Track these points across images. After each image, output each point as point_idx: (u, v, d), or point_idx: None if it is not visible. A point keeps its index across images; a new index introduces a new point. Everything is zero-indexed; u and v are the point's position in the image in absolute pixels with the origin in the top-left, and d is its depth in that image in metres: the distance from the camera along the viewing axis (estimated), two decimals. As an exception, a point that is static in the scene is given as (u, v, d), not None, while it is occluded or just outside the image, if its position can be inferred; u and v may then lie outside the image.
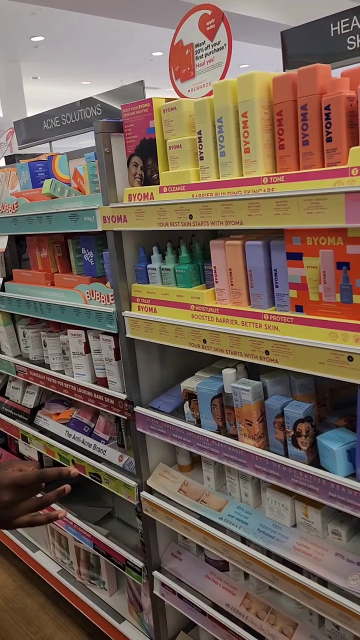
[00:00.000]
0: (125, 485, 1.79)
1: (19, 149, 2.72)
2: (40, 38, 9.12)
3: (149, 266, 1.55)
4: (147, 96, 1.56)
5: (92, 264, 1.79)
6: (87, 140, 2.56)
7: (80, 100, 2.22)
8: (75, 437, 2.10)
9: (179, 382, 1.61)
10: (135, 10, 7.12)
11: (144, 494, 1.73)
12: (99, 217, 1.58)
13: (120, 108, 1.54)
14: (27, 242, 2.09)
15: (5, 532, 2.73)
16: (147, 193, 1.45)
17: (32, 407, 2.37)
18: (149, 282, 1.56)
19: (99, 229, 1.59)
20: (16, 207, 1.99)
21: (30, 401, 2.38)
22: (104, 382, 1.84)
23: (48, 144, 2.77)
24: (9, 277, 2.22)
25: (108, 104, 2.10)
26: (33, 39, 9.11)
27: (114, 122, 1.54)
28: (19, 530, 2.69)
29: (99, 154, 1.53)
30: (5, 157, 2.85)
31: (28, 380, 2.20)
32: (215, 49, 1.48)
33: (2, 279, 2.23)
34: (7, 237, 2.06)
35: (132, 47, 10.00)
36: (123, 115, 1.51)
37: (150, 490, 1.73)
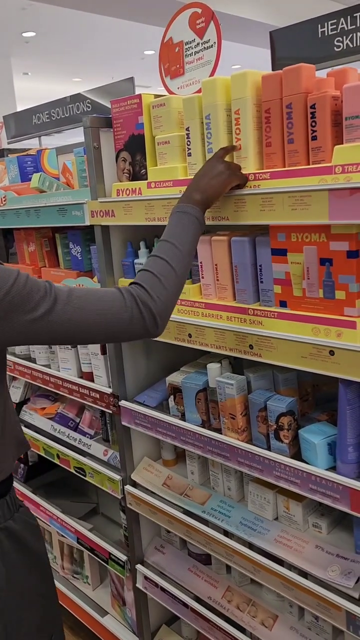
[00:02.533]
0: (110, 479, 1.80)
1: (8, 143, 2.72)
2: (32, 34, 9.08)
3: (136, 261, 1.56)
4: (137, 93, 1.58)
5: (80, 258, 1.80)
6: (76, 137, 2.56)
7: (70, 96, 2.23)
8: (61, 431, 2.10)
9: (164, 377, 1.63)
10: (127, 8, 7.12)
11: (128, 487, 1.74)
12: (87, 211, 1.59)
13: (110, 105, 1.55)
14: (14, 236, 2.09)
15: None
16: (135, 188, 1.47)
17: (17, 401, 2.37)
18: (136, 277, 1.57)
19: (87, 223, 1.60)
20: (4, 200, 1.99)
21: (15, 396, 2.38)
22: (89, 376, 1.85)
23: (37, 139, 2.77)
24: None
25: (98, 100, 2.11)
26: (24, 34, 9.07)
27: (103, 117, 1.55)
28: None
29: (88, 148, 1.54)
30: (-7, 151, 2.84)
31: (14, 375, 2.20)
32: (204, 47, 1.50)
33: (-11, 272, 2.22)
34: (-6, 231, 2.07)
35: (124, 45, 9.99)
36: (112, 110, 1.52)
37: (135, 484, 1.75)
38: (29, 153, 2.12)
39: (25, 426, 2.25)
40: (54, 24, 8.61)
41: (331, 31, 1.44)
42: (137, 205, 1.43)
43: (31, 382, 2.10)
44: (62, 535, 2.19)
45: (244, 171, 1.22)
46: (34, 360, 2.10)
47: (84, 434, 2.04)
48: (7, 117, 2.66)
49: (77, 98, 2.16)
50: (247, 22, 7.27)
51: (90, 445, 1.96)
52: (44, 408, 2.27)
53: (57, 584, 2.22)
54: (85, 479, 1.92)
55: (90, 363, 1.82)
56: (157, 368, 1.79)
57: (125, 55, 10.61)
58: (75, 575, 2.26)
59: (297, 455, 1.28)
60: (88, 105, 2.15)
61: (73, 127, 2.19)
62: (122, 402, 1.67)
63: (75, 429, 2.08)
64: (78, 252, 1.80)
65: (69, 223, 1.67)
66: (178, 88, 1.58)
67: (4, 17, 8.14)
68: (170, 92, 1.60)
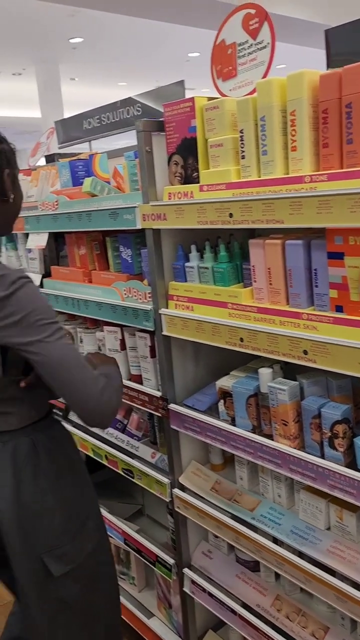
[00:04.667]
0: (158, 482, 1.80)
1: (59, 148, 2.77)
2: (79, 40, 9.26)
3: (187, 264, 1.56)
4: (186, 97, 1.58)
5: (130, 261, 1.81)
6: (124, 140, 2.59)
7: (121, 100, 2.25)
8: (109, 432, 2.12)
9: (213, 380, 1.62)
10: (172, 12, 7.16)
11: (176, 491, 1.74)
12: (138, 215, 1.59)
13: (159, 108, 1.56)
14: (65, 240, 2.13)
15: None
16: (187, 192, 1.46)
17: (66, 402, 2.41)
18: (186, 281, 1.57)
19: (139, 226, 1.60)
20: (56, 204, 2.03)
21: (64, 396, 2.42)
22: (138, 379, 1.86)
23: (87, 143, 2.81)
24: (47, 274, 2.26)
25: (147, 104, 2.12)
26: (71, 40, 9.26)
27: (156, 121, 1.55)
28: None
29: (140, 152, 1.54)
30: (45, 156, 2.90)
31: (63, 375, 2.24)
32: (258, 48, 1.48)
33: (41, 275, 2.27)
34: (47, 235, 2.10)
35: (168, 48, 10.06)
36: (165, 114, 1.52)
37: (182, 488, 1.74)
38: (80, 157, 2.15)
39: (74, 426, 2.28)
40: (100, 30, 8.75)
41: (390, 27, 1.40)
42: (189, 209, 1.43)
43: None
44: (109, 536, 2.21)
45: (299, 173, 1.20)
46: (83, 362, 2.13)
47: (131, 435, 2.05)
48: (58, 122, 2.72)
49: (127, 102, 2.18)
50: (296, 22, 7.19)
51: (138, 448, 1.97)
52: (92, 409, 2.29)
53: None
54: (134, 480, 1.93)
55: (140, 366, 1.83)
56: (206, 371, 1.78)
57: (169, 57, 10.67)
58: (121, 576, 2.27)
59: (352, 464, 1.25)
60: (138, 109, 2.17)
61: (123, 131, 2.21)
62: (171, 406, 1.67)
63: (123, 430, 2.10)
64: (128, 255, 1.81)
65: (120, 227, 1.68)
66: (230, 90, 1.57)
67: (52, 24, 8.33)
68: (222, 94, 1.59)
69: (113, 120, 2.30)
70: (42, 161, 2.88)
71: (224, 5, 6.40)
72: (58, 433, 1.47)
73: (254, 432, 1.45)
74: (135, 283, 1.74)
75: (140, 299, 1.72)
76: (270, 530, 1.46)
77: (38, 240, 2.13)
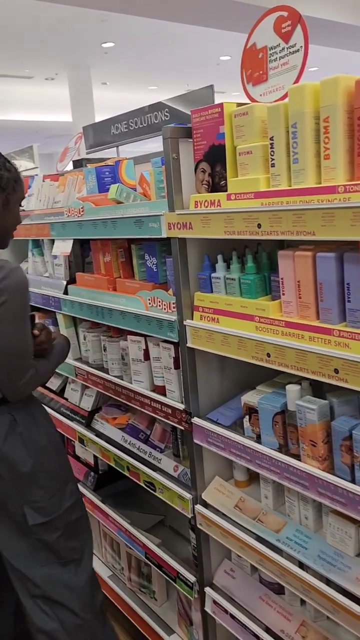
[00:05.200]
0: (180, 497, 1.75)
1: (87, 153, 2.76)
2: (111, 44, 9.32)
3: (213, 275, 1.51)
4: (216, 101, 1.53)
5: (155, 270, 1.77)
6: (153, 143, 2.56)
7: (149, 105, 2.22)
8: (131, 443, 2.09)
9: (239, 393, 1.56)
10: (203, 15, 7.14)
11: (198, 507, 1.69)
12: (164, 223, 1.55)
13: (188, 112, 1.52)
14: (91, 246, 2.11)
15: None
16: (214, 200, 1.42)
17: (89, 409, 2.38)
18: (212, 291, 1.52)
19: (164, 235, 1.56)
20: (82, 211, 2.01)
21: (88, 404, 2.40)
22: (162, 390, 1.82)
23: (114, 148, 2.79)
24: (72, 280, 2.24)
25: (176, 108, 2.08)
26: (103, 45, 9.32)
27: (183, 127, 1.51)
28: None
29: (167, 159, 1.50)
30: (73, 161, 2.89)
31: (86, 384, 2.21)
32: (290, 52, 1.43)
33: (65, 282, 2.25)
34: (71, 241, 2.08)
35: (199, 51, 10.03)
36: (192, 120, 1.48)
37: (205, 504, 1.69)
38: (107, 163, 2.12)
39: (97, 435, 2.25)
40: (132, 34, 8.79)
41: None
42: (216, 218, 1.38)
43: (103, 392, 2.10)
44: (130, 548, 2.17)
45: (332, 182, 1.14)
46: (106, 371, 2.10)
47: (154, 447, 2.01)
48: (87, 128, 2.70)
49: (155, 107, 2.14)
50: (328, 23, 7.08)
51: (160, 460, 1.93)
52: (115, 418, 2.26)
53: (124, 595, 2.23)
54: (155, 494, 1.89)
55: (163, 377, 1.79)
56: (231, 383, 1.73)
57: (200, 61, 10.65)
58: (142, 589, 2.23)
59: (385, 490, 1.18)
60: (166, 114, 2.13)
61: (151, 137, 2.17)
62: (195, 420, 1.63)
63: (146, 441, 2.06)
64: (153, 264, 1.77)
65: (145, 235, 1.65)
66: (261, 95, 1.52)
67: (85, 29, 8.40)
68: (252, 99, 1.54)
69: (141, 126, 2.27)
70: (69, 166, 2.87)
71: (256, 9, 6.34)
72: (36, 411, 1.70)
73: (280, 451, 1.39)
74: (160, 292, 1.70)
75: (165, 309, 1.68)
76: (296, 554, 1.39)
77: (63, 247, 2.11)
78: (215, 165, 1.44)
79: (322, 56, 8.19)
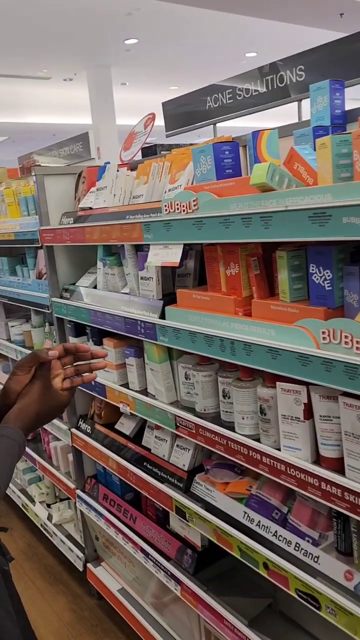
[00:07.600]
0: (372, 628, 1.17)
1: (167, 137, 2.20)
2: (134, 41, 8.80)
3: None
4: None
5: (329, 288, 1.19)
6: (264, 122, 1.99)
7: (272, 63, 1.65)
8: (261, 524, 1.50)
9: None
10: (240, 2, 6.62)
11: None
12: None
13: None
14: (204, 254, 1.53)
15: (149, 626, 2.14)
16: None
17: (187, 469, 1.80)
18: None
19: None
20: (195, 204, 1.44)
21: (184, 460, 1.82)
22: (332, 463, 1.24)
23: (190, 135, 2.24)
24: (170, 300, 1.66)
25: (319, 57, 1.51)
26: (127, 41, 8.81)
27: None
28: (165, 626, 2.12)
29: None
30: (142, 148, 2.34)
31: (195, 441, 1.63)
32: None
33: (160, 301, 1.68)
34: (181, 247, 1.50)
35: (224, 47, 9.51)
36: None
37: None
38: (226, 139, 1.56)
39: (207, 509, 1.67)
40: (157, 29, 8.27)
41: None
42: None
43: (227, 456, 1.51)
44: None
45: None
46: (228, 426, 1.52)
47: (300, 534, 1.42)
48: (166, 104, 2.14)
49: (288, 63, 1.57)
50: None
51: (317, 558, 1.35)
52: (227, 483, 1.68)
53: None
54: (320, 613, 1.30)
55: (340, 446, 1.21)
56: None
57: (224, 58, 10.12)
58: None
59: None
60: (300, 70, 1.56)
61: (282, 104, 1.60)
62: None
63: (284, 524, 1.48)
64: (327, 280, 1.19)
65: (332, 237, 1.07)
66: None
67: (109, 24, 7.89)
68: None
69: (258, 92, 1.69)
70: (138, 155, 2.32)
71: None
72: None
73: None
74: (346, 323, 1.12)
75: (352, 346, 1.10)
76: None
77: (166, 255, 1.54)
78: None
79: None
